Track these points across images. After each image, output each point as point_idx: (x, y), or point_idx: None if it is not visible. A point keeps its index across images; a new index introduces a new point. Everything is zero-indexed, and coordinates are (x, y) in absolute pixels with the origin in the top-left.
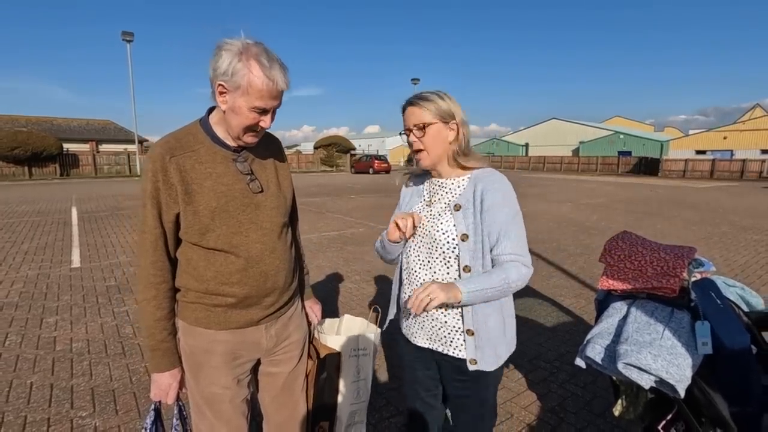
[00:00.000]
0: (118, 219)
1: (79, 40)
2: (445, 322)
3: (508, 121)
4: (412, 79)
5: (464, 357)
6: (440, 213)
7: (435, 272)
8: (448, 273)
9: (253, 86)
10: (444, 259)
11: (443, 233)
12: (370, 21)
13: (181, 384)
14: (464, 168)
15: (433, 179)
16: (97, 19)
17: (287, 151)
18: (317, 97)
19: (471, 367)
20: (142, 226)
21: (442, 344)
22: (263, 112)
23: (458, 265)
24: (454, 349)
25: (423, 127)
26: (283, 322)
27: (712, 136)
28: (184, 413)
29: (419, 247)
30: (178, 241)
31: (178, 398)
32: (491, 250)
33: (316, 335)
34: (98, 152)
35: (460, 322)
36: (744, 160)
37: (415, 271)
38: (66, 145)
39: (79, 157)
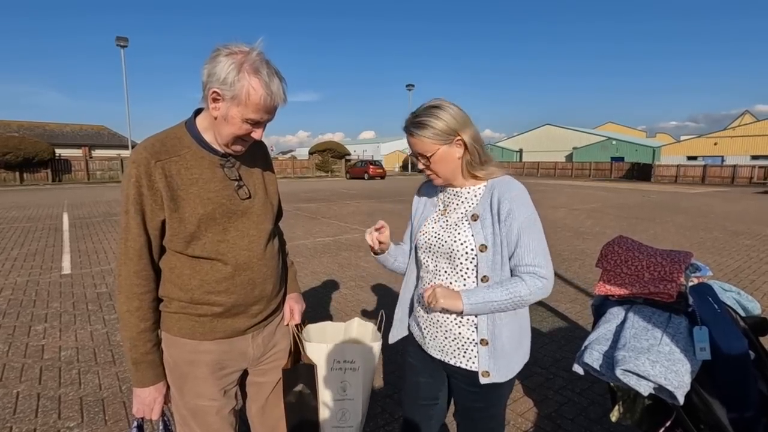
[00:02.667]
0: (110, 225)
1: (74, 44)
2: (459, 333)
3: (502, 126)
4: (407, 85)
5: (476, 369)
6: (457, 223)
7: (451, 282)
8: (465, 283)
9: (251, 99)
10: (463, 269)
11: (461, 244)
12: (366, 27)
13: (166, 398)
14: (479, 178)
15: (448, 188)
16: (92, 23)
17: (282, 157)
18: (313, 103)
19: (483, 380)
20: (125, 233)
21: (453, 356)
22: (256, 124)
23: (476, 276)
24: (467, 360)
25: (428, 157)
26: (270, 330)
27: (703, 142)
28: (170, 427)
29: (437, 257)
30: (161, 249)
31: (162, 411)
32: (510, 259)
33: (298, 338)
34: (91, 158)
35: (475, 333)
36: (735, 166)
37: (431, 281)
38: (58, 151)
39: (71, 163)
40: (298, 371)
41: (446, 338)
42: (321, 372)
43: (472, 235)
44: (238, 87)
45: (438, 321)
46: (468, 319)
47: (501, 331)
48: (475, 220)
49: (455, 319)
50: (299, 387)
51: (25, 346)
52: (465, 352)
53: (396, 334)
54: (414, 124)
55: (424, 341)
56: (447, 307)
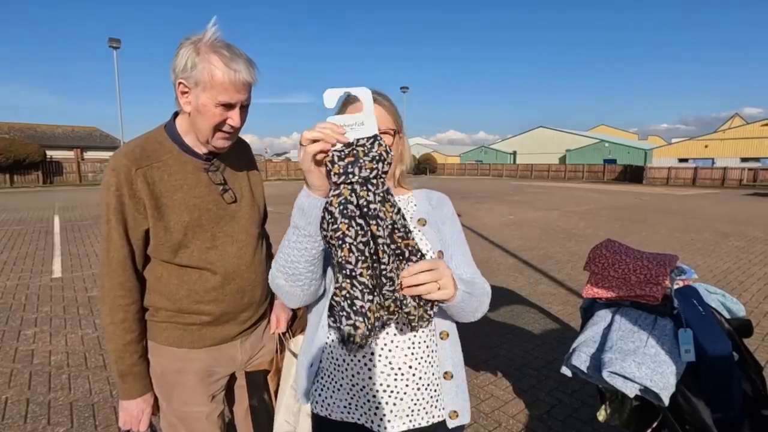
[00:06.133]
0: (101, 228)
1: (66, 45)
2: (433, 373)
3: (496, 128)
4: (402, 88)
5: (443, 417)
6: None
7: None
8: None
9: (216, 78)
10: None
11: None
12: (360, 30)
13: (153, 409)
14: (405, 189)
15: None
16: (84, 23)
17: (277, 159)
18: (307, 105)
19: (452, 424)
20: (107, 244)
21: (425, 412)
22: (230, 107)
23: None
24: (436, 408)
25: (393, 134)
26: (258, 334)
27: (693, 144)
28: None
29: None
30: (146, 258)
31: (150, 422)
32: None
33: (280, 347)
34: (83, 159)
35: (438, 367)
36: (725, 168)
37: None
38: (50, 153)
39: (63, 165)
40: (256, 377)
41: (419, 387)
42: (288, 383)
43: (428, 241)
44: (199, 69)
45: (406, 370)
46: (429, 349)
47: (460, 358)
48: (424, 225)
49: (425, 353)
50: (263, 393)
51: (14, 350)
52: (433, 398)
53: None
54: (380, 93)
55: (378, 419)
56: (452, 293)
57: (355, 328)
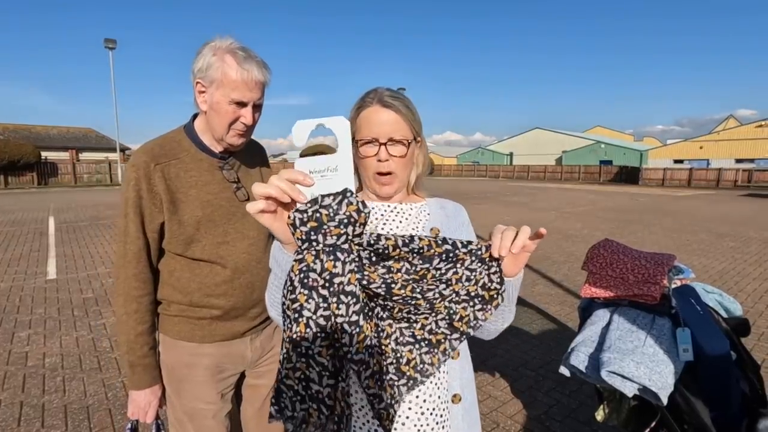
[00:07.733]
0: (97, 229)
1: (63, 46)
2: (438, 396)
3: (493, 130)
4: (399, 89)
5: None
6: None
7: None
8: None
9: (228, 77)
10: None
11: None
12: (357, 31)
13: (161, 401)
14: (419, 197)
15: (381, 204)
16: (81, 24)
17: (273, 160)
18: (305, 107)
19: None
20: (124, 236)
21: None
22: (242, 105)
23: None
24: None
25: (408, 145)
26: (268, 333)
27: (689, 145)
28: (162, 431)
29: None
30: (160, 252)
31: (156, 415)
32: None
33: None
34: (78, 161)
35: (446, 389)
36: (720, 169)
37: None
38: (45, 154)
39: (58, 166)
40: None
41: (423, 412)
42: None
43: None
44: (214, 68)
45: (417, 388)
46: (440, 372)
47: (471, 381)
48: (438, 234)
49: (431, 376)
50: None
51: (8, 353)
52: (439, 424)
53: None
54: (395, 97)
55: None
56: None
57: (309, 415)
